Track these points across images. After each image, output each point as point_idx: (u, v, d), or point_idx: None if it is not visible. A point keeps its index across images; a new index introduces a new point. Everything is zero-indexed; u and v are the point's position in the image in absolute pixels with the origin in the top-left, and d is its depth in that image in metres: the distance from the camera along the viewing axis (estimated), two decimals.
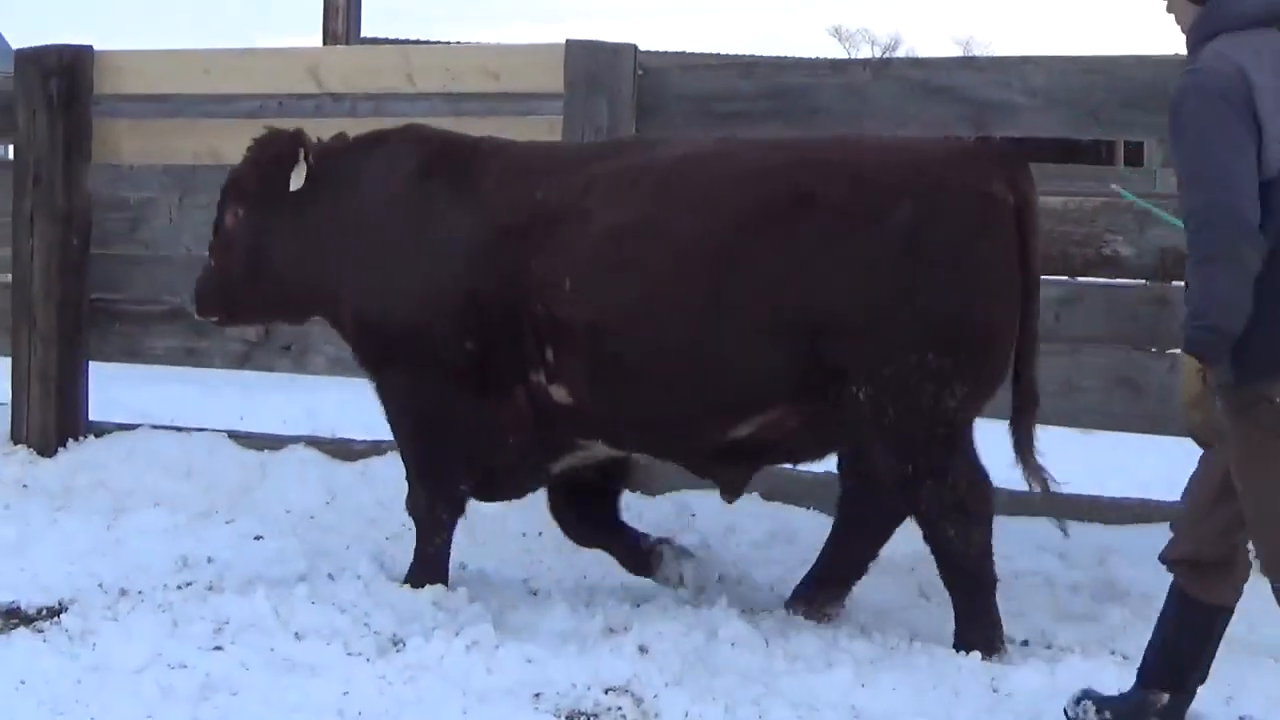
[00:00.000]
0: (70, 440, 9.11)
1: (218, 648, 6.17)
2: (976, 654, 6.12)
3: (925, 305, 6.09)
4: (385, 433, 7.11)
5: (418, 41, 18.54)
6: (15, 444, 9.20)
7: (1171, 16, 5.25)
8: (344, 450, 8.56)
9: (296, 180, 6.96)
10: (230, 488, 8.35)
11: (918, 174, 6.22)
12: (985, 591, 6.26)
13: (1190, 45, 5.16)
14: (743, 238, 6.23)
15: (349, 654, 6.14)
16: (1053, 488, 6.34)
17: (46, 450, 9.06)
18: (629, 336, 6.34)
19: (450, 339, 6.61)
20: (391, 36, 18.34)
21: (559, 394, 6.55)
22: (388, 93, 8.75)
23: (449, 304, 6.60)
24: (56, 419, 9.20)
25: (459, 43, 17.26)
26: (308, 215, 6.94)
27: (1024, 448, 6.32)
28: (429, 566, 6.87)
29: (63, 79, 9.30)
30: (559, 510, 7.05)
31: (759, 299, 6.19)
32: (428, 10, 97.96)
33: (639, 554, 6.98)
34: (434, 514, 6.86)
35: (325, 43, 14.37)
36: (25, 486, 8.32)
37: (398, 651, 6.17)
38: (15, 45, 9.72)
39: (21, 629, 6.37)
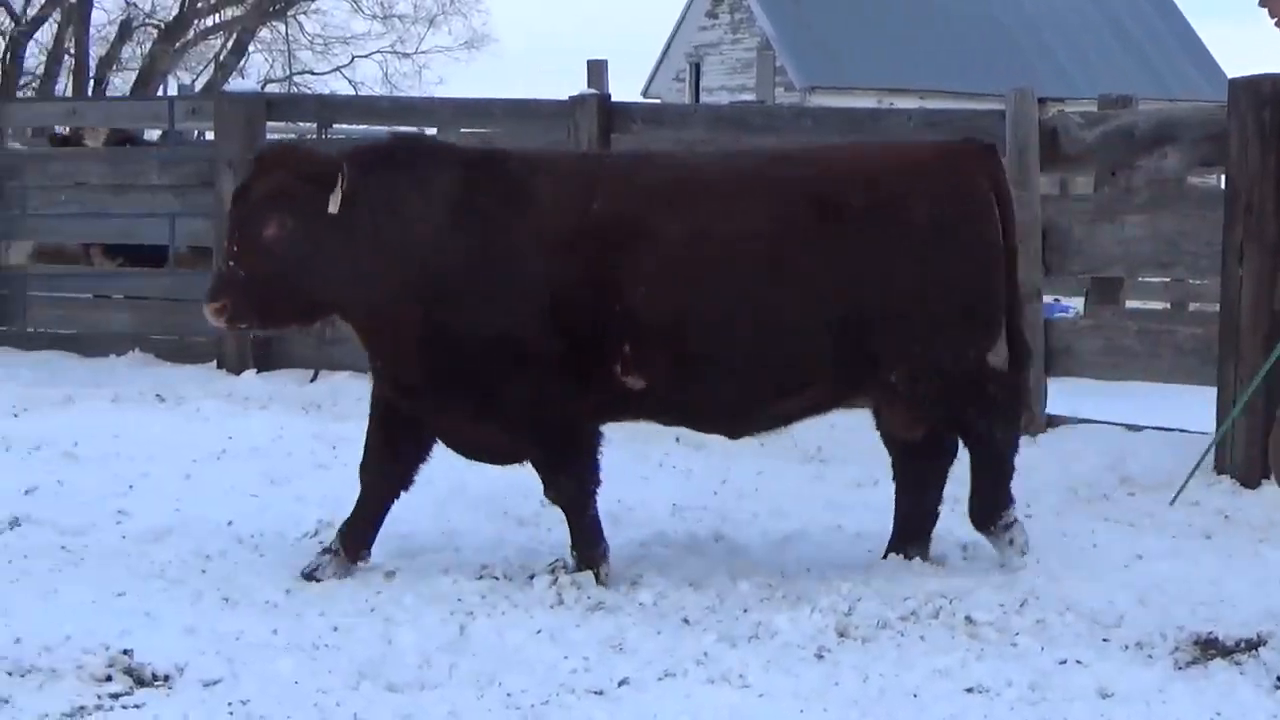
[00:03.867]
0: None
1: None
2: None
3: (946, 288, 7.62)
4: None
5: None
6: (1219, 474, 9.55)
7: None
8: None
9: (334, 204, 7.53)
10: None
11: (926, 176, 7.75)
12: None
13: None
14: (788, 240, 7.58)
15: None
16: None
17: (1250, 482, 9.34)
18: (703, 332, 7.54)
19: (538, 342, 7.53)
20: None
21: (634, 383, 7.58)
22: None
23: (532, 312, 7.53)
24: (1260, 451, 9.44)
25: None
26: (351, 227, 7.54)
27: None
28: (593, 542, 7.73)
29: (1275, 108, 9.58)
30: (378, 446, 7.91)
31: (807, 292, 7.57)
32: None
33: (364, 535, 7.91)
34: (584, 490, 7.74)
35: None
36: (1226, 518, 8.59)
37: None
38: (1230, 75, 10.07)
39: (1219, 660, 6.61)
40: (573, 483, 7.75)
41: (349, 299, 7.68)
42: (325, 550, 7.86)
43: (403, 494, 7.99)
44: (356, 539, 7.89)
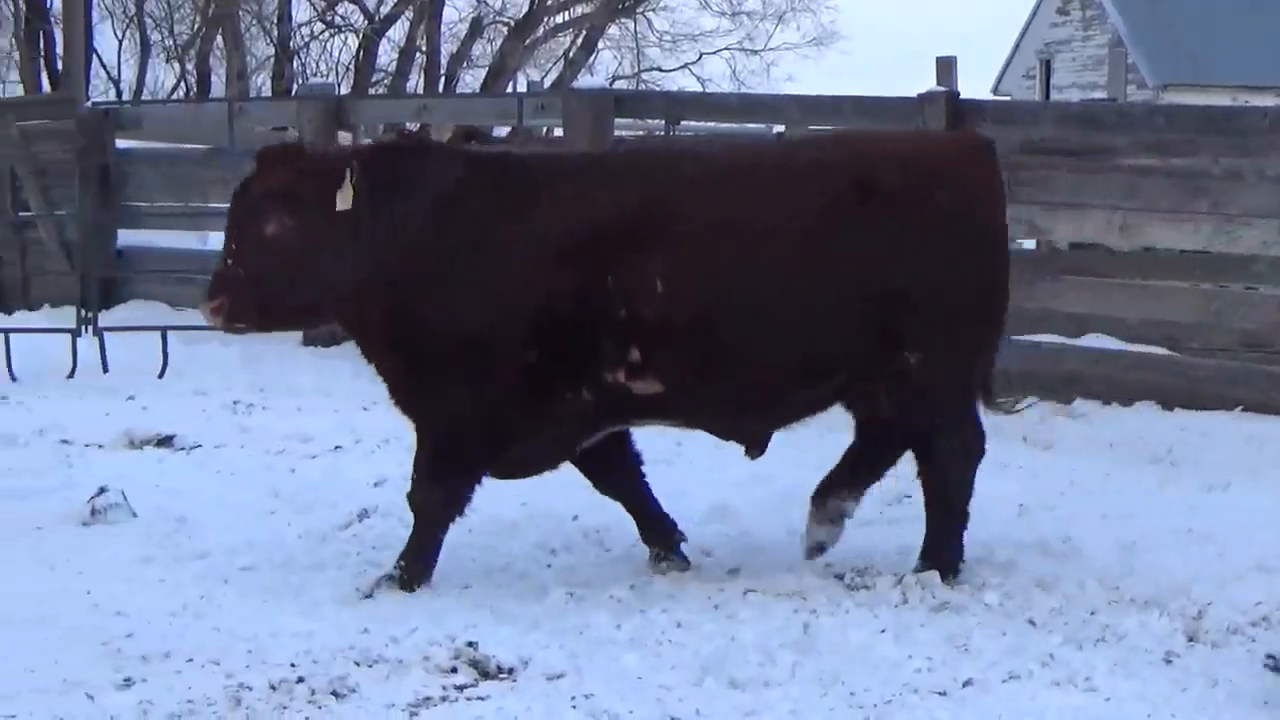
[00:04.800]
0: None
1: None
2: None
3: (968, 277, 7.57)
4: None
5: None
6: None
7: None
8: None
9: (343, 200, 7.38)
10: None
11: (951, 162, 7.72)
12: (962, 524, 7.70)
13: None
14: (821, 226, 7.46)
15: None
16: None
17: None
18: (730, 327, 7.39)
19: (514, 348, 7.36)
20: None
21: (643, 387, 7.41)
22: None
23: (515, 315, 7.37)
24: None
25: None
26: (355, 224, 7.40)
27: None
28: (423, 558, 7.56)
29: None
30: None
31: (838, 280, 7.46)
32: None
33: (658, 530, 7.94)
34: (445, 510, 7.56)
35: None
36: None
37: None
38: None
39: None
40: (439, 494, 7.59)
41: (346, 298, 7.54)
42: (656, 557, 7.92)
43: (642, 470, 7.99)
44: (662, 534, 7.94)
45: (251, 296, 7.46)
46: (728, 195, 7.56)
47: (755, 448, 7.88)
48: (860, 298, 7.46)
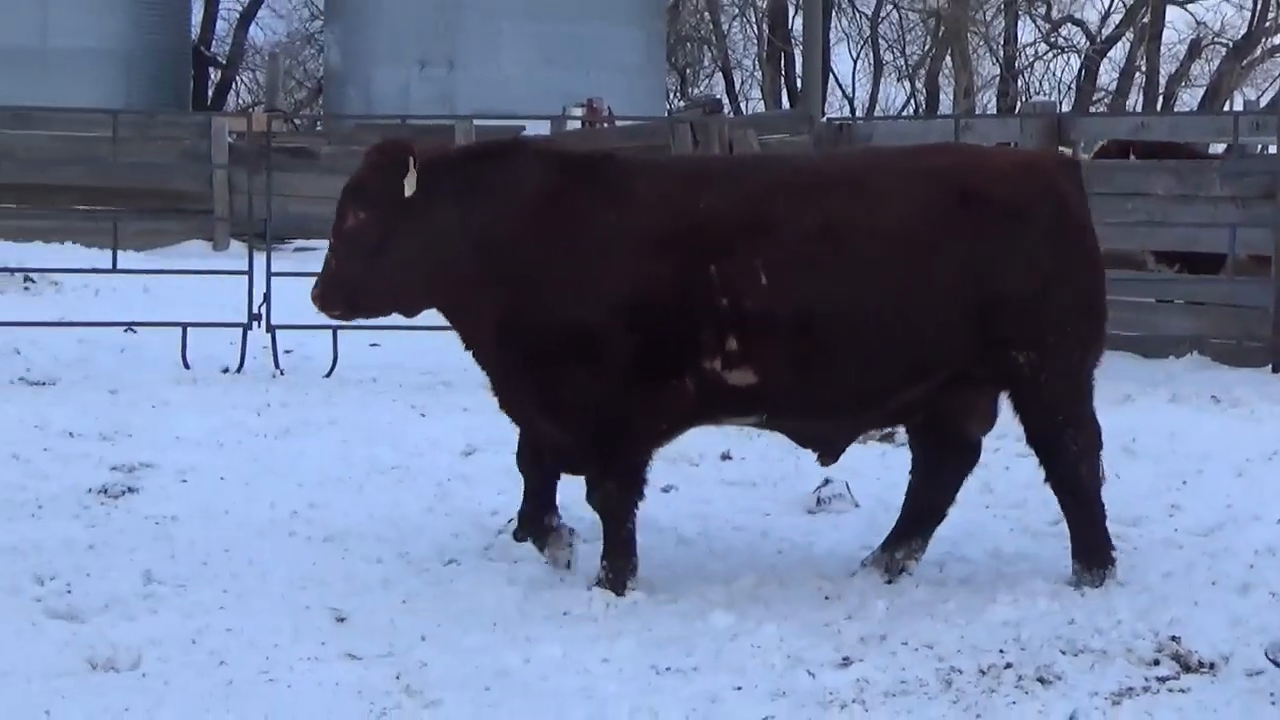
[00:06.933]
0: None
1: None
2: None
3: (1070, 280, 7.64)
4: None
5: None
6: None
7: None
8: None
9: (409, 187, 7.47)
10: None
11: (1048, 177, 7.76)
12: (1103, 515, 7.73)
13: None
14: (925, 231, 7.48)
15: None
16: None
17: None
18: (831, 324, 7.38)
19: (620, 338, 7.33)
20: None
21: (738, 378, 7.36)
22: None
23: (619, 306, 7.34)
24: None
25: None
26: (439, 220, 7.50)
27: None
28: (626, 551, 7.53)
29: None
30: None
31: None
32: None
33: (539, 522, 7.90)
34: (626, 502, 7.52)
35: None
36: None
37: None
38: None
39: None
40: (614, 488, 7.55)
41: (424, 290, 7.68)
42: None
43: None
44: (536, 524, 7.92)
45: (339, 287, 7.72)
46: (838, 199, 7.56)
47: (829, 455, 7.87)
48: (959, 302, 7.47)
